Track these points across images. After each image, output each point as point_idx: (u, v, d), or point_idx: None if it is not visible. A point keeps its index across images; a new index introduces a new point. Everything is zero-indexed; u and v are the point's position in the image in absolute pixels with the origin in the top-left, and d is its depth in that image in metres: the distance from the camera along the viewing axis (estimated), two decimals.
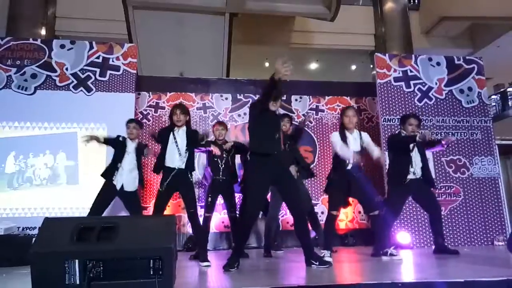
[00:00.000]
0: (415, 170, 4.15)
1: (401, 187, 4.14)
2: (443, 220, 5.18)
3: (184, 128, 3.86)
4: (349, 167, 3.79)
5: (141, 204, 4.40)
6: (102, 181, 4.67)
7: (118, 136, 4.26)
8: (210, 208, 4.40)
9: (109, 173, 4.16)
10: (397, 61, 5.86)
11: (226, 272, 3.17)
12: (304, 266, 3.32)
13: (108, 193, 4.13)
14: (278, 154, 3.40)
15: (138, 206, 4.33)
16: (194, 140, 3.85)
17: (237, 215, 4.54)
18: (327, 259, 3.52)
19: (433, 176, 5.33)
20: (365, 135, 3.96)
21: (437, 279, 2.59)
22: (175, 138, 3.78)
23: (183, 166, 3.74)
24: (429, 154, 5.44)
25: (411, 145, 4.17)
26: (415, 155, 4.19)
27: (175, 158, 3.73)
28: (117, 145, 4.25)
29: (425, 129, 5.47)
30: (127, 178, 4.16)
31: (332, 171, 4.01)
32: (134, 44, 6.02)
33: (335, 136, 3.90)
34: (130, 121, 4.36)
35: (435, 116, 5.67)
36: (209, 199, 4.42)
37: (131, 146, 4.25)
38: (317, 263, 3.26)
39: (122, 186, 4.14)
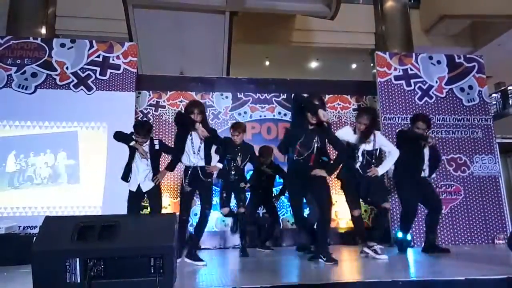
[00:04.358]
0: (425, 168, 4.19)
1: (414, 185, 4.11)
2: (443, 219, 5.22)
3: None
4: (358, 165, 3.82)
5: (160, 201, 4.21)
6: (103, 180, 4.65)
7: (131, 135, 4.05)
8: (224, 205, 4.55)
9: (125, 174, 4.05)
10: (398, 59, 5.85)
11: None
12: (305, 265, 3.33)
13: (133, 199, 4.04)
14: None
15: (157, 202, 4.14)
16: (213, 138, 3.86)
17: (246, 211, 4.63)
18: (380, 252, 3.69)
19: (434, 175, 5.37)
20: (377, 135, 3.96)
21: (438, 277, 2.59)
22: (191, 136, 3.76)
23: (201, 164, 3.76)
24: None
25: (423, 143, 4.16)
26: (426, 154, 4.21)
27: (191, 157, 3.75)
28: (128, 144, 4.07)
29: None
30: (142, 180, 4.04)
31: (341, 170, 3.99)
32: (134, 43, 6.01)
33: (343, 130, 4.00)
34: (138, 131, 4.03)
35: (435, 115, 5.65)
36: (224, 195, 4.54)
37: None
38: (325, 259, 3.35)
39: (139, 186, 4.03)
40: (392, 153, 3.94)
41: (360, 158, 3.82)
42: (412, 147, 4.15)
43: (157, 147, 4.14)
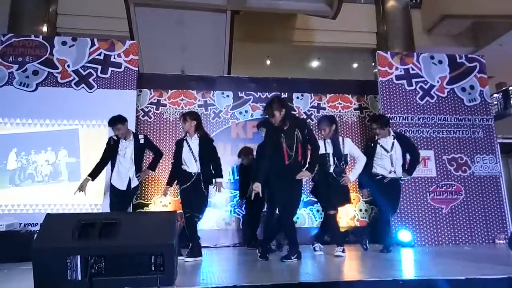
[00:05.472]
0: (396, 169, 4.16)
1: (380, 186, 4.15)
2: (444, 218, 5.22)
3: (196, 135, 3.95)
4: (331, 169, 3.93)
5: (131, 201, 4.35)
6: (103, 178, 4.66)
7: (110, 139, 4.17)
8: None
9: (96, 172, 4.06)
10: (399, 59, 5.85)
11: (284, 261, 3.41)
12: (305, 264, 3.33)
13: (121, 198, 4.11)
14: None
15: (129, 201, 4.27)
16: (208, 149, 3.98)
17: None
18: (339, 254, 3.84)
19: (435, 174, 5.38)
20: (347, 142, 4.08)
21: (439, 277, 2.59)
22: (189, 145, 3.92)
23: (199, 171, 3.88)
24: (430, 152, 5.46)
25: (390, 144, 4.19)
26: (396, 152, 4.19)
27: (191, 164, 3.88)
28: (109, 148, 4.15)
29: (425, 126, 5.48)
30: (132, 177, 4.12)
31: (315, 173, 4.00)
32: (135, 41, 6.00)
33: None
34: (110, 123, 4.14)
35: (436, 115, 5.65)
36: None
37: (124, 145, 4.14)
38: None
39: (129, 184, 4.11)
40: (360, 159, 4.04)
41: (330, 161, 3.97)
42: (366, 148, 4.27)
43: (142, 141, 4.25)
